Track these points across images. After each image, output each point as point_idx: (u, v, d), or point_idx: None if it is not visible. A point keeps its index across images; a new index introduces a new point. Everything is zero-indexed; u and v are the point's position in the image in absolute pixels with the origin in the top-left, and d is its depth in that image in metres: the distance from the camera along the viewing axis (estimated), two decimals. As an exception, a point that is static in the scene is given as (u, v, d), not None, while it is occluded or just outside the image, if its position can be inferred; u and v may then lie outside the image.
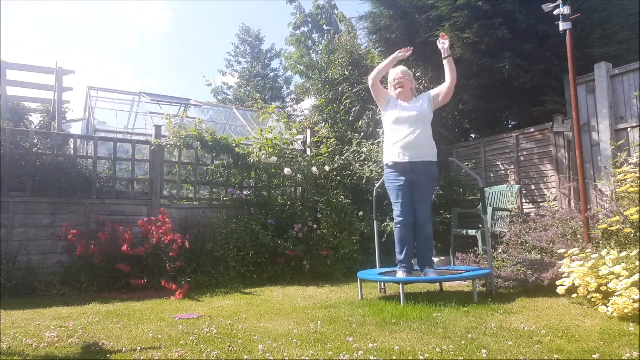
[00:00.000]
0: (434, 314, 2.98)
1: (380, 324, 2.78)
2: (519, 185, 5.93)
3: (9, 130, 4.90)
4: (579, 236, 3.89)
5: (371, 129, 7.35)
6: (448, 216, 6.17)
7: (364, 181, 6.27)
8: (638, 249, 3.03)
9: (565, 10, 3.94)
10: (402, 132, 3.71)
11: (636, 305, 2.60)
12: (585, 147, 5.12)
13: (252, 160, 5.79)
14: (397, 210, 3.75)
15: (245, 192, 5.83)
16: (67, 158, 5.27)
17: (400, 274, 3.67)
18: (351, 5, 37.39)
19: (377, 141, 6.77)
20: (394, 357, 2.10)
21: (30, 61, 22.76)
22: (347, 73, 8.18)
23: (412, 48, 3.85)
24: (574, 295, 3.15)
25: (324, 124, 8.24)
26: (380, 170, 6.16)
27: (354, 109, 7.82)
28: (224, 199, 5.82)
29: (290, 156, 6.32)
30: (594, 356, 2.02)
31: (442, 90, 3.79)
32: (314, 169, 6.05)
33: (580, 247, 3.51)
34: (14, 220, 4.63)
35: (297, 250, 5.23)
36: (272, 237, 5.22)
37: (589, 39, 5.75)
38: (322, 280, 5.15)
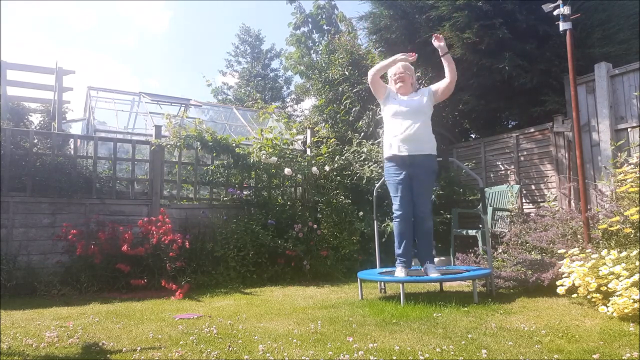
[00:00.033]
0: (434, 314, 2.98)
1: (380, 324, 2.78)
2: (519, 185, 5.93)
3: (9, 130, 4.90)
4: (579, 236, 3.89)
5: (371, 129, 7.35)
6: (448, 216, 6.17)
7: (364, 181, 6.27)
8: (638, 249, 3.03)
9: (565, 10, 3.94)
10: (401, 125, 3.70)
11: (636, 305, 2.60)
12: (585, 147, 5.12)
13: (252, 160, 5.79)
14: (396, 203, 3.75)
15: (245, 192, 5.83)
16: (67, 158, 5.26)
17: (399, 269, 3.66)
18: (351, 5, 37.44)
19: (377, 141, 6.78)
20: (394, 357, 2.10)
21: (30, 61, 22.77)
22: (347, 73, 8.18)
23: (416, 55, 3.85)
24: (574, 295, 3.15)
25: (324, 124, 8.24)
26: (380, 170, 6.16)
27: (354, 109, 7.82)
28: (224, 199, 5.82)
29: (290, 156, 6.32)
30: (594, 356, 2.02)
31: (442, 85, 3.79)
32: (314, 169, 6.05)
33: (580, 247, 3.51)
34: (14, 220, 4.63)
35: (297, 250, 5.23)
36: (272, 237, 5.22)
37: (589, 39, 5.75)
38: (322, 280, 5.15)
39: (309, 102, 15.28)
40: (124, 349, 2.35)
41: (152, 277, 4.52)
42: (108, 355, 2.26)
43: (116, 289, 4.45)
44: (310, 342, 2.39)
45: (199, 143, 5.64)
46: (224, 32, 42.18)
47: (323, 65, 8.91)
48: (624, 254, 3.04)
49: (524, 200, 6.24)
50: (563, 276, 3.24)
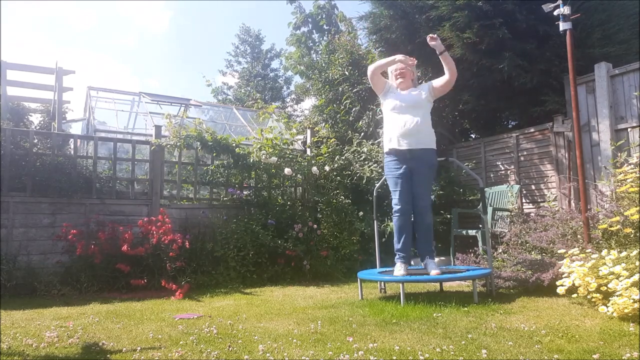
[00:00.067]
0: (434, 314, 2.98)
1: (380, 324, 2.78)
2: (519, 185, 5.93)
3: (9, 130, 4.90)
4: (579, 236, 3.88)
5: (371, 128, 7.35)
6: (448, 216, 6.17)
7: (364, 181, 6.27)
8: (638, 249, 3.03)
9: (565, 10, 3.94)
10: (401, 119, 3.71)
11: (636, 305, 2.60)
12: (585, 147, 5.12)
13: (252, 160, 5.79)
14: (395, 198, 3.75)
15: (245, 192, 5.83)
16: (67, 158, 5.26)
17: (398, 265, 3.66)
18: (351, 5, 37.42)
19: (377, 141, 6.78)
20: (394, 357, 2.10)
21: (30, 61, 22.77)
22: (347, 73, 8.18)
23: (416, 60, 3.87)
24: (574, 295, 3.15)
25: (324, 124, 8.24)
26: (380, 170, 6.16)
27: (354, 109, 7.82)
28: (224, 199, 5.83)
29: (290, 156, 6.32)
30: (594, 356, 2.02)
31: (441, 81, 3.80)
32: (314, 169, 6.05)
33: (580, 247, 3.51)
34: (14, 220, 4.63)
35: (297, 250, 5.23)
36: (272, 237, 5.22)
37: (589, 39, 5.75)
38: (322, 280, 5.15)
39: (309, 102, 15.28)
40: (124, 349, 2.35)
41: (152, 277, 4.52)
42: (108, 355, 2.26)
43: (116, 289, 4.45)
44: (310, 342, 2.39)
45: (199, 143, 5.64)
46: (224, 32, 42.24)
47: (323, 65, 8.91)
48: (624, 254, 3.04)
49: (524, 200, 6.24)
50: (563, 276, 3.24)
